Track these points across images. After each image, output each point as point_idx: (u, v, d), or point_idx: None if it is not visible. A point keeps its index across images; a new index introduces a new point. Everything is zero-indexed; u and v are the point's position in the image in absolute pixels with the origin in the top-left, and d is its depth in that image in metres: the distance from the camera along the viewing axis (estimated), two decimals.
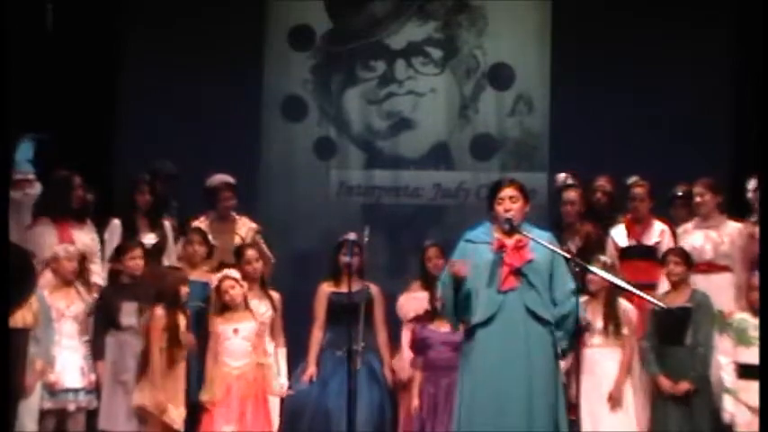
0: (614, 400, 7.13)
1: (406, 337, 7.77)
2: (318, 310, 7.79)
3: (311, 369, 7.64)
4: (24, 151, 7.96)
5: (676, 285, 7.30)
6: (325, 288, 7.80)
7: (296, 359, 7.82)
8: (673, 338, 7.11)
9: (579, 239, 8.01)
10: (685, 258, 7.35)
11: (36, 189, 7.97)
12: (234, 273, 7.47)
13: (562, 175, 8.51)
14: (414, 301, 7.79)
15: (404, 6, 10.66)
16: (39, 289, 7.22)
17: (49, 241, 7.66)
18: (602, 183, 8.50)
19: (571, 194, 8.25)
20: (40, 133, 8.76)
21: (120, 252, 7.59)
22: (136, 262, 7.49)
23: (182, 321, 7.29)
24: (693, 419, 7.04)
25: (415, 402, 7.41)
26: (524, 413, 5.78)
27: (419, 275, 7.90)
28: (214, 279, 7.51)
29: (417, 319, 7.70)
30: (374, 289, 7.77)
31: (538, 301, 5.88)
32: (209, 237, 8.02)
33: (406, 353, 7.71)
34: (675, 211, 8.26)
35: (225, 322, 7.36)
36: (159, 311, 7.24)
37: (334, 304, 7.70)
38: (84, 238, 7.81)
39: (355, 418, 7.09)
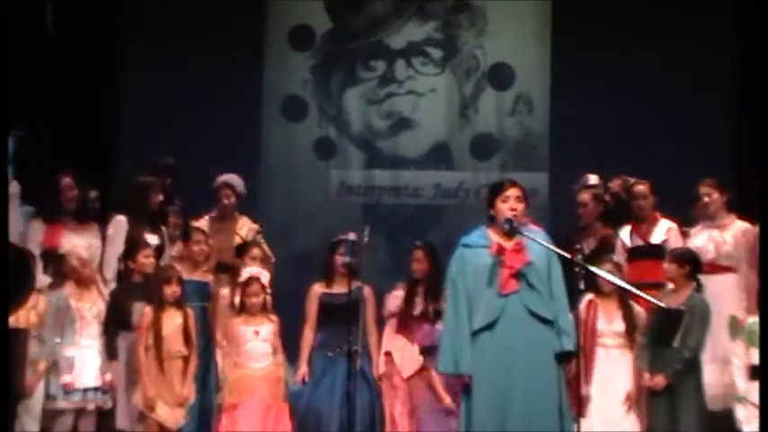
0: (632, 401, 7.11)
1: (386, 334, 7.74)
2: (309, 311, 7.74)
3: (303, 369, 7.61)
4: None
5: (676, 285, 7.26)
6: (317, 288, 7.77)
7: (294, 359, 7.79)
8: (662, 339, 7.06)
9: (594, 241, 7.98)
10: (681, 259, 7.24)
11: (14, 188, 7.90)
12: (264, 277, 7.41)
13: (586, 176, 8.42)
14: (392, 299, 7.79)
15: (404, 6, 10.67)
16: (56, 290, 7.27)
17: (34, 241, 7.64)
18: (612, 185, 8.47)
19: (584, 196, 8.19)
20: (23, 131, 8.73)
21: (131, 251, 7.55)
22: (150, 260, 7.48)
23: (176, 319, 7.26)
24: (679, 421, 6.98)
25: (449, 400, 7.40)
26: (528, 414, 5.78)
27: (405, 276, 7.85)
28: (242, 276, 7.43)
29: (394, 316, 7.70)
30: (366, 290, 7.70)
31: (538, 301, 5.88)
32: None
33: (383, 349, 7.68)
34: (695, 212, 8.17)
35: (245, 324, 7.33)
36: (146, 310, 7.25)
37: (326, 305, 7.67)
38: (79, 240, 7.76)
39: (355, 418, 7.10)
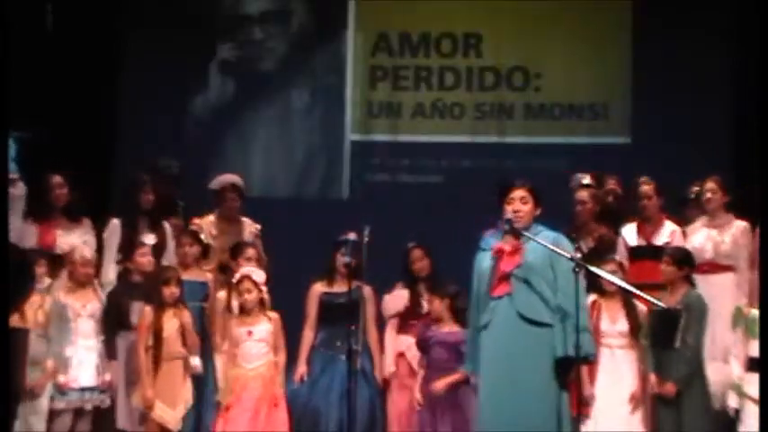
0: (636, 401, 7.09)
1: (389, 334, 7.79)
2: (309, 310, 7.76)
3: (302, 368, 7.61)
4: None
5: (672, 286, 7.25)
6: (318, 288, 7.78)
7: (291, 360, 7.77)
8: (663, 340, 7.05)
9: (592, 240, 7.95)
10: (677, 259, 7.23)
11: (20, 189, 7.92)
12: (256, 275, 7.34)
13: (578, 175, 8.43)
14: (395, 300, 7.82)
15: None
16: (53, 289, 7.29)
17: (28, 242, 7.66)
18: (612, 186, 8.46)
19: (583, 194, 8.16)
20: (23, 132, 8.73)
21: (127, 250, 7.59)
22: (147, 258, 7.52)
23: (175, 320, 7.27)
24: (683, 421, 6.98)
25: (419, 398, 7.42)
26: (522, 417, 5.75)
27: (402, 277, 7.90)
28: (235, 278, 7.40)
29: (398, 316, 7.77)
30: (366, 289, 7.71)
31: (532, 304, 5.84)
32: (207, 235, 8.01)
33: (389, 350, 7.73)
34: (689, 212, 8.20)
35: (239, 325, 7.30)
36: (146, 310, 7.26)
37: (326, 304, 7.69)
38: (73, 239, 7.77)
39: (354, 417, 7.10)
